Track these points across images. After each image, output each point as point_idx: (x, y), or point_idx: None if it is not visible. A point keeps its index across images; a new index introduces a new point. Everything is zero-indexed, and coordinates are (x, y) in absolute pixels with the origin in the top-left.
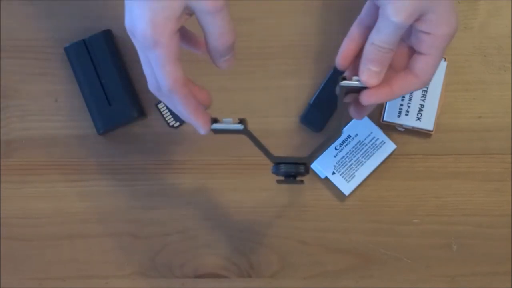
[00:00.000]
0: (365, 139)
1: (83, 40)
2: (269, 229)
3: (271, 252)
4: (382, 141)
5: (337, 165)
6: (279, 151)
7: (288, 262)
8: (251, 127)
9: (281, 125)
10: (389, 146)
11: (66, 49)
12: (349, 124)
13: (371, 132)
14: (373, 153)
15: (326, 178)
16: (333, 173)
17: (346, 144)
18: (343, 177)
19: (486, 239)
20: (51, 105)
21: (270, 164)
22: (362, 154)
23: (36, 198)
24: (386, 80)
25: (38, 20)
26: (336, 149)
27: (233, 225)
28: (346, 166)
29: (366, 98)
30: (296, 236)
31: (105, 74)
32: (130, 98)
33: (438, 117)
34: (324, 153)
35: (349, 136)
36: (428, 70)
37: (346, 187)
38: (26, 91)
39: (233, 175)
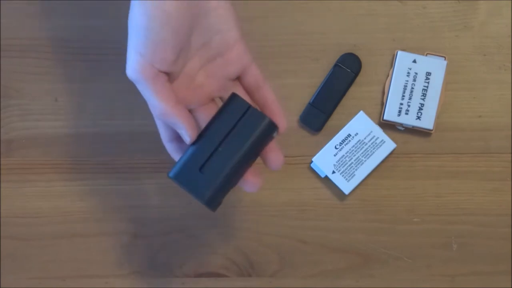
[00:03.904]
0: (365, 138)
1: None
2: (269, 228)
3: (271, 251)
4: (382, 140)
5: (337, 164)
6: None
7: (288, 262)
8: None
9: None
10: (389, 145)
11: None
12: (349, 123)
13: (371, 131)
14: (373, 152)
15: (326, 177)
16: (333, 172)
17: (346, 143)
18: (343, 176)
19: (486, 239)
20: (51, 105)
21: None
22: (362, 153)
23: (35, 197)
24: None
25: (38, 20)
26: (336, 148)
27: (233, 225)
28: (346, 165)
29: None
30: (296, 235)
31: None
32: (219, 182)
33: (438, 116)
34: (324, 151)
35: (349, 135)
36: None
37: (346, 186)
38: (26, 91)
39: None
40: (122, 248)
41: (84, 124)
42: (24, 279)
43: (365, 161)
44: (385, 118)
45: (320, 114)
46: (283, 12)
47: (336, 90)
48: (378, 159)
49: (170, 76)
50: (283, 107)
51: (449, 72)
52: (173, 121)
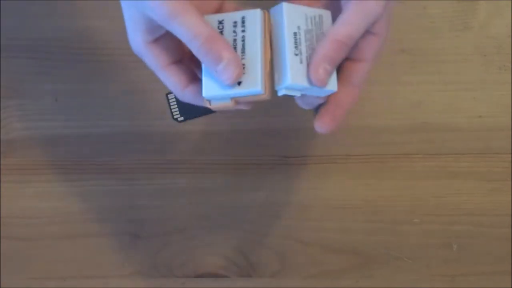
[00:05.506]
0: (307, 25)
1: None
2: (269, 229)
3: (271, 252)
4: (318, 14)
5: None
6: (280, 151)
7: (288, 262)
8: (252, 126)
9: (281, 124)
10: (326, 14)
11: None
12: (285, 23)
13: (305, 14)
14: (322, 31)
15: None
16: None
17: (300, 43)
18: None
19: (486, 239)
20: (51, 105)
21: (270, 164)
22: (316, 41)
23: (36, 197)
24: None
25: (38, 20)
26: (296, 54)
27: (233, 225)
28: None
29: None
30: (296, 236)
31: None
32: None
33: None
34: (288, 65)
35: (295, 34)
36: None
37: (332, 82)
38: (26, 91)
39: (233, 174)
40: (123, 248)
41: (84, 124)
42: (24, 279)
43: None
44: (205, 95)
45: None
46: None
47: None
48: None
49: None
50: (284, 107)
51: (449, 72)
52: (218, 49)
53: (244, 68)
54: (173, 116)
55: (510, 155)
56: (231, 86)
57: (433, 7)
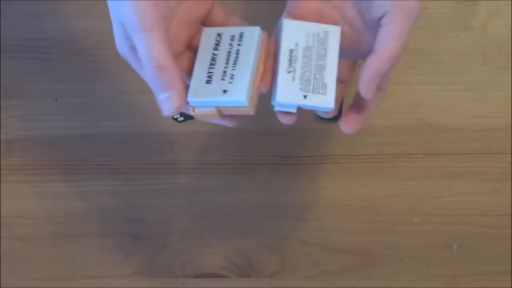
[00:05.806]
0: (307, 42)
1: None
2: (269, 229)
3: (271, 252)
4: (324, 31)
5: (303, 85)
6: (280, 151)
7: (288, 262)
8: (252, 127)
9: (281, 124)
10: (335, 30)
11: None
12: (282, 40)
13: (308, 30)
14: (325, 48)
15: (300, 108)
16: (305, 96)
17: (295, 60)
18: (316, 92)
19: (486, 239)
20: (51, 105)
21: (270, 164)
22: (316, 57)
23: (36, 198)
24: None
25: (38, 20)
26: (288, 72)
27: (233, 225)
28: (311, 80)
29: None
30: (296, 236)
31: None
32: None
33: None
34: (279, 83)
35: (291, 51)
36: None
37: (328, 100)
38: (26, 91)
39: (233, 175)
40: (123, 248)
41: (84, 124)
42: (24, 279)
43: (325, 63)
44: (189, 99)
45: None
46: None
47: None
48: (335, 51)
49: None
50: None
51: (449, 73)
52: (167, 79)
53: (232, 78)
54: (173, 116)
55: (510, 155)
56: (217, 94)
57: (433, 7)
